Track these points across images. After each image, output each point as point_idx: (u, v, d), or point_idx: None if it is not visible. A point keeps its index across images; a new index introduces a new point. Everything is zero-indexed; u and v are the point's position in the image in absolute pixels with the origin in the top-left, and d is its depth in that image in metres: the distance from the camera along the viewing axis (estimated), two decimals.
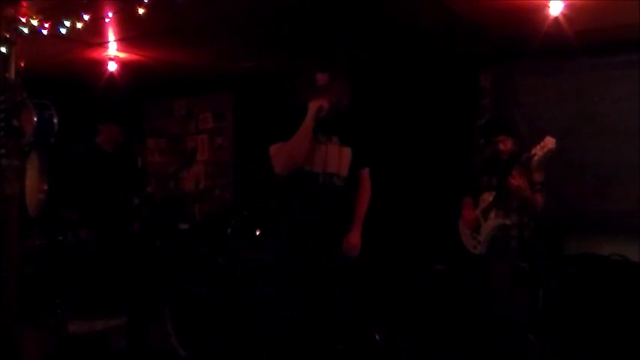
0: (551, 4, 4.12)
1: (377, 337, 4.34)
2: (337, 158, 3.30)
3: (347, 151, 3.35)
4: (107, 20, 3.93)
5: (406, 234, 5.35)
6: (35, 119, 3.33)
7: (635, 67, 4.88)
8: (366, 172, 3.50)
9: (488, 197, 4.05)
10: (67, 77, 6.02)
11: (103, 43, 5.17)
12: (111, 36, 4.95)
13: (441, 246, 4.88)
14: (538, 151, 3.69)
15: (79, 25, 3.78)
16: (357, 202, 3.43)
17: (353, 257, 3.35)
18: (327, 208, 3.27)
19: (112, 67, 5.65)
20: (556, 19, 4.24)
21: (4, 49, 3.38)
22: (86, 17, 3.75)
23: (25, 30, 3.50)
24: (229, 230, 5.13)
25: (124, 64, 5.68)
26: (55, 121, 3.43)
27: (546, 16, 4.23)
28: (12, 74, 3.40)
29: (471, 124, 5.44)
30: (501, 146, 4.07)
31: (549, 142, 3.67)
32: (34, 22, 3.56)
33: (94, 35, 4.76)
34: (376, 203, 3.54)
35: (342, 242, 3.32)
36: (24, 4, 3.51)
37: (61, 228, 4.39)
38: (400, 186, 5.54)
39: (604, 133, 5.07)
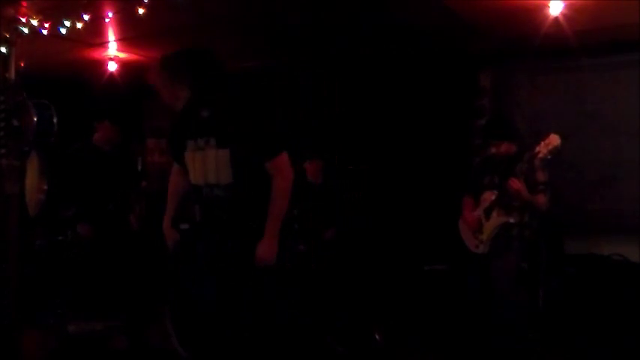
0: (551, 4, 4.12)
1: (377, 337, 4.34)
2: (214, 166, 2.80)
3: (224, 154, 2.78)
4: (107, 20, 3.94)
5: (406, 234, 5.35)
6: (35, 119, 3.33)
7: (635, 67, 4.89)
8: (275, 164, 2.80)
9: (489, 196, 4.02)
10: (67, 77, 6.01)
11: (103, 43, 5.17)
12: (111, 36, 4.95)
13: (441, 246, 4.88)
14: (542, 149, 3.58)
15: (79, 25, 3.79)
16: (268, 209, 2.80)
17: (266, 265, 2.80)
18: (213, 221, 2.91)
19: (112, 67, 5.65)
20: (556, 19, 4.25)
21: (4, 49, 3.38)
22: (86, 17, 3.75)
23: (25, 30, 3.50)
24: None
25: (124, 64, 5.68)
26: (55, 121, 3.43)
27: (546, 16, 4.24)
28: (12, 74, 3.40)
29: (471, 124, 5.44)
30: (493, 150, 4.04)
31: (554, 139, 3.54)
32: (34, 22, 3.56)
33: (94, 35, 4.76)
34: (377, 203, 3.49)
35: (253, 250, 2.79)
36: (24, 4, 3.51)
37: (61, 227, 4.38)
38: (400, 186, 5.54)
39: (604, 133, 5.07)
